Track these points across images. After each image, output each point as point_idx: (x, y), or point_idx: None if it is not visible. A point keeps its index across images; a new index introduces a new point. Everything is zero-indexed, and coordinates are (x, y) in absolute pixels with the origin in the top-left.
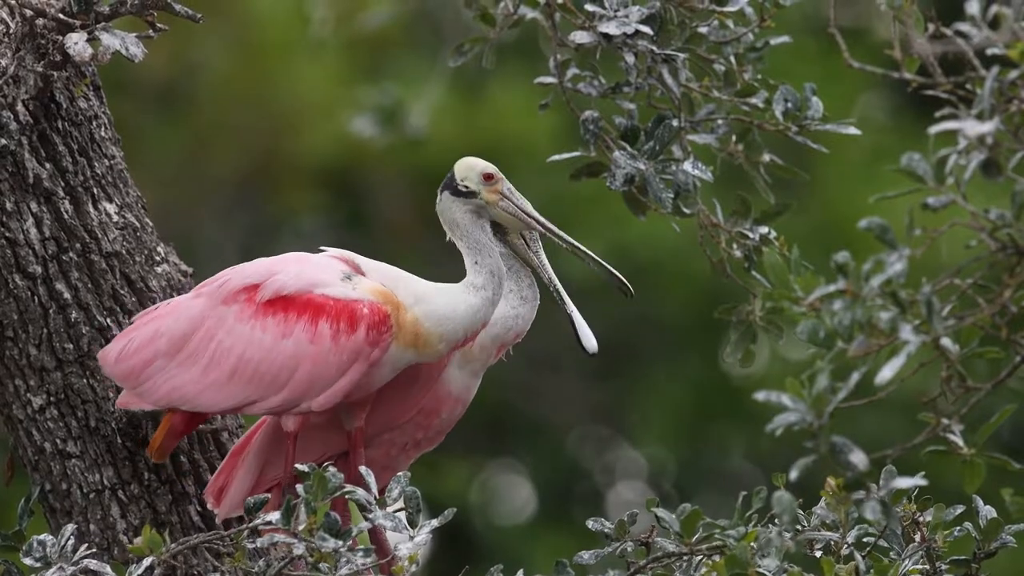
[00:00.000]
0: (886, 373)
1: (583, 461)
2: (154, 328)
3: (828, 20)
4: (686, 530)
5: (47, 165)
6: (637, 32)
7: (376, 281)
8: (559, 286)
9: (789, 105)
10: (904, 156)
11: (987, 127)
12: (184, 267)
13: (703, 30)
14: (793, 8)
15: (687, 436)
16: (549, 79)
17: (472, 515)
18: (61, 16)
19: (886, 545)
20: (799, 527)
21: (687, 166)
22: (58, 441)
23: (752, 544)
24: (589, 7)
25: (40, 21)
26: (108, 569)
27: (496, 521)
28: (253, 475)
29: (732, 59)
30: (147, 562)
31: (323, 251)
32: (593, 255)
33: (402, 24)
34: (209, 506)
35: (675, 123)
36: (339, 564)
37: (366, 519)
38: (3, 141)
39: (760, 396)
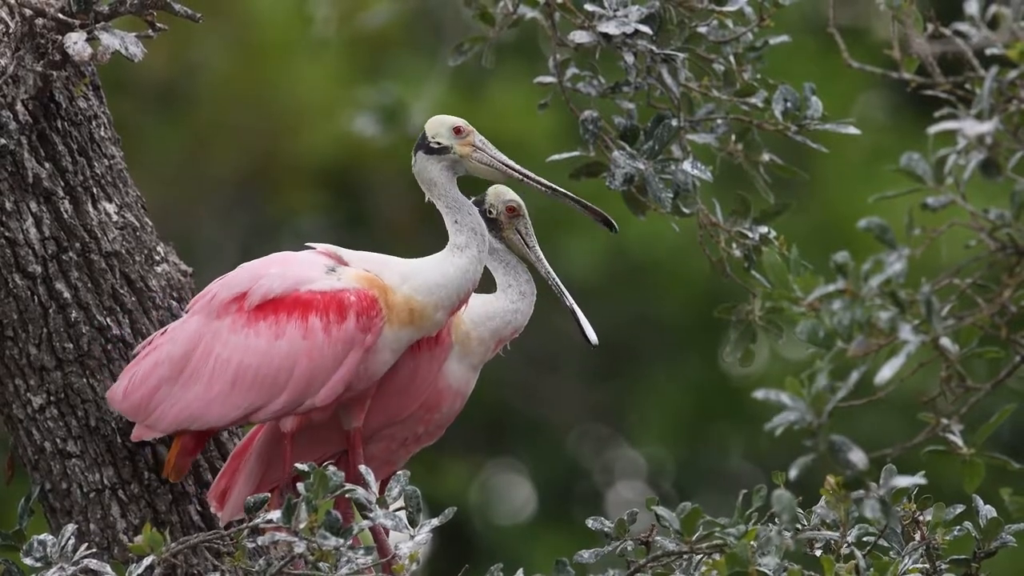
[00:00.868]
0: (885, 373)
1: (583, 460)
2: (154, 358)
3: (827, 20)
4: (686, 529)
5: (47, 165)
6: (636, 32)
7: (360, 269)
8: (556, 279)
9: (788, 105)
10: (903, 156)
11: (986, 127)
12: (184, 267)
13: (702, 30)
14: (792, 8)
15: (686, 435)
16: (548, 79)
17: (472, 514)
18: (60, 16)
19: (886, 544)
20: (799, 526)
21: (686, 166)
22: (58, 440)
23: (752, 543)
24: (588, 7)
25: (39, 21)
26: (108, 568)
27: (496, 520)
28: (255, 478)
29: (731, 59)
30: (147, 561)
31: (309, 247)
32: (574, 196)
33: (402, 23)
34: (212, 510)
35: (674, 123)
36: (339, 563)
37: (366, 518)
38: (3, 141)
39: (760, 395)
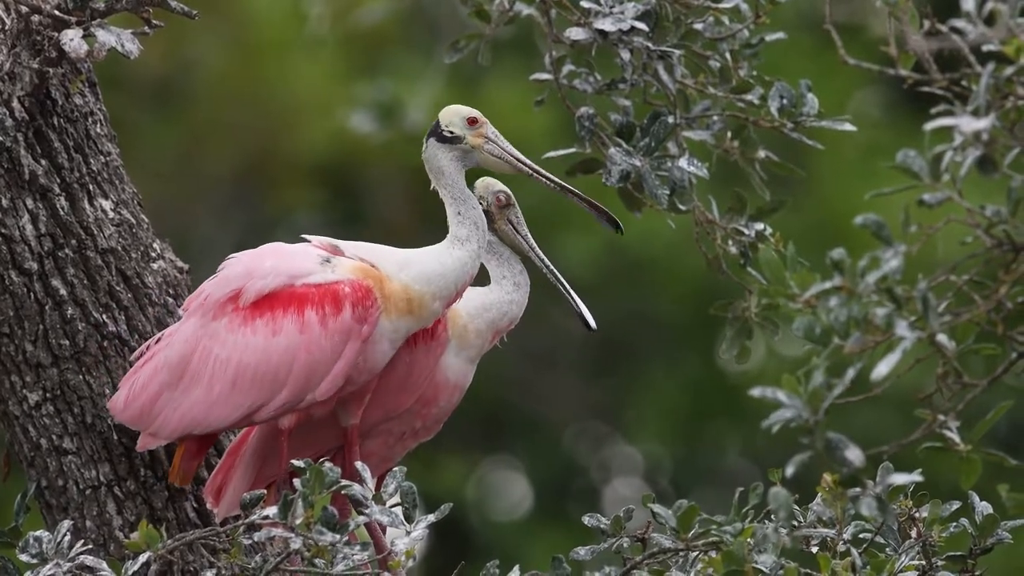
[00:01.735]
0: (882, 369)
1: (579, 457)
2: (153, 365)
3: (823, 16)
4: (682, 526)
5: (43, 161)
6: (632, 28)
7: (357, 258)
8: (551, 267)
9: (784, 101)
10: (900, 153)
11: (983, 123)
12: (180, 263)
13: (698, 27)
14: (788, 4)
15: (683, 433)
16: (545, 75)
17: (468, 511)
18: (57, 13)
19: (882, 541)
20: (795, 523)
21: (683, 162)
22: (54, 437)
23: (748, 540)
24: (584, 3)
25: (36, 18)
26: (104, 565)
27: (492, 517)
28: (251, 474)
29: (727, 56)
30: (143, 558)
31: (304, 239)
32: (582, 194)
33: (398, 21)
34: (208, 505)
35: (671, 119)
36: (336, 559)
37: (362, 515)
38: None
39: (756, 392)
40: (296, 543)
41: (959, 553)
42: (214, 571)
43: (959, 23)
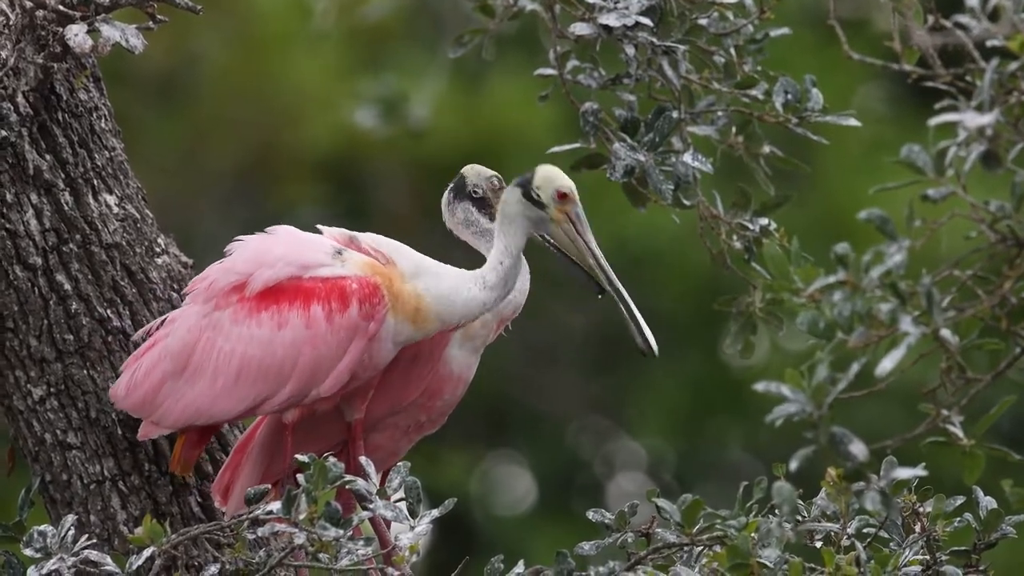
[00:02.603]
0: (886, 364)
1: (583, 452)
2: (156, 353)
3: (827, 12)
4: (687, 521)
5: (47, 156)
6: (637, 24)
7: (373, 250)
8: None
9: (789, 97)
10: (904, 148)
11: (987, 119)
12: (184, 258)
13: (703, 22)
14: (792, 0)
15: (687, 427)
16: (549, 71)
17: (472, 506)
18: (61, 8)
19: (886, 536)
20: (799, 518)
21: (687, 158)
22: (58, 432)
23: (753, 535)
24: None
25: (40, 13)
26: (108, 560)
27: (496, 512)
28: (258, 471)
29: (732, 51)
30: (147, 553)
31: (318, 230)
32: (632, 305)
33: (402, 16)
34: (216, 504)
35: (675, 115)
36: (339, 554)
37: (366, 509)
38: (3, 133)
39: (760, 387)
40: (300, 538)
41: (963, 548)
42: (218, 566)
43: (963, 18)
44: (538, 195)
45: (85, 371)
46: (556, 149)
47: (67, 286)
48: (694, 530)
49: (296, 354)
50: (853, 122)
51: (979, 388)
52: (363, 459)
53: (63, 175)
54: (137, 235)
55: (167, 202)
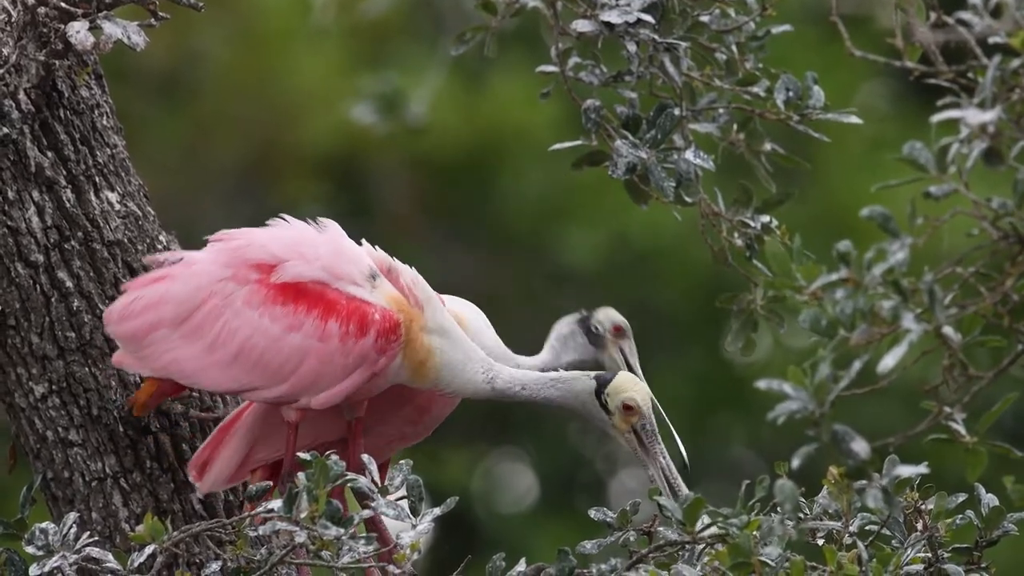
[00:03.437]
0: (888, 361)
1: (585, 450)
2: (162, 290)
3: (829, 8)
4: (689, 519)
5: (49, 154)
6: (639, 20)
7: (407, 288)
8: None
9: (791, 94)
10: (906, 145)
11: (989, 116)
12: None
13: (705, 19)
14: None
15: (688, 425)
16: (550, 68)
17: (474, 503)
18: (63, 4)
19: (888, 533)
20: (801, 515)
21: (689, 155)
22: (60, 429)
23: (755, 533)
24: None
25: (42, 10)
26: (110, 557)
27: (498, 509)
28: (240, 454)
29: (734, 48)
30: (149, 550)
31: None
32: (668, 479)
33: (402, 12)
34: (191, 479)
35: (677, 112)
36: (341, 552)
37: (368, 507)
38: (5, 130)
39: (762, 384)
40: (301, 537)
41: (965, 545)
42: (220, 563)
43: (965, 15)
44: (606, 401)
45: (87, 368)
46: (557, 146)
47: (69, 283)
48: (696, 528)
49: (300, 360)
50: (855, 119)
51: (981, 385)
52: (365, 457)
53: (65, 172)
54: (139, 232)
55: (169, 199)
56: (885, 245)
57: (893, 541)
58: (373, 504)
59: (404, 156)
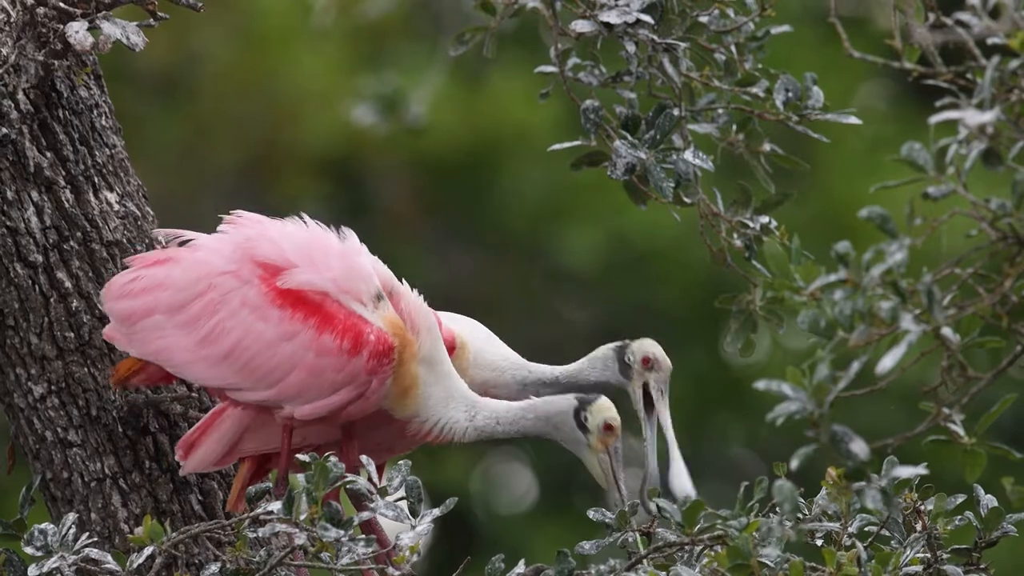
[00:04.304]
0: (887, 362)
1: None
2: (163, 274)
3: (828, 9)
4: (687, 520)
5: (48, 154)
6: (638, 21)
7: (407, 314)
8: (670, 432)
9: (790, 94)
10: (904, 146)
11: (988, 116)
12: None
13: (704, 19)
14: None
15: (687, 425)
16: (550, 68)
17: (473, 504)
18: (62, 5)
19: (887, 534)
20: (800, 516)
21: (688, 155)
22: (59, 430)
23: (754, 534)
24: None
25: (41, 10)
26: (109, 558)
27: (497, 510)
28: (227, 444)
29: (733, 48)
30: (148, 551)
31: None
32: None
33: (402, 13)
34: (176, 457)
35: (676, 112)
36: (340, 554)
37: (367, 509)
38: (4, 130)
39: (760, 385)
40: (300, 538)
41: (964, 546)
42: (219, 564)
43: (964, 16)
44: (586, 419)
45: (86, 369)
46: (557, 146)
47: (68, 284)
48: (695, 529)
49: (290, 369)
50: (854, 120)
51: (980, 386)
52: (364, 458)
53: (64, 172)
54: (138, 233)
55: (168, 200)
56: (884, 246)
57: (892, 542)
58: (372, 505)
59: (404, 156)
